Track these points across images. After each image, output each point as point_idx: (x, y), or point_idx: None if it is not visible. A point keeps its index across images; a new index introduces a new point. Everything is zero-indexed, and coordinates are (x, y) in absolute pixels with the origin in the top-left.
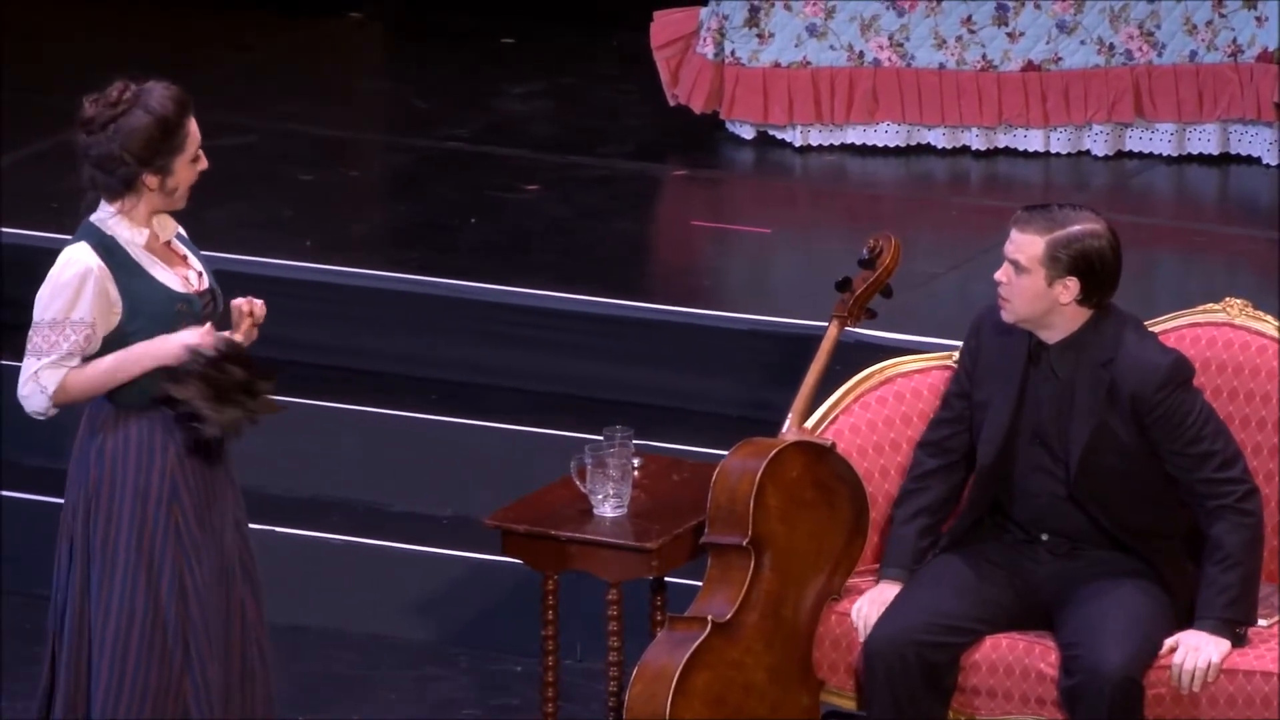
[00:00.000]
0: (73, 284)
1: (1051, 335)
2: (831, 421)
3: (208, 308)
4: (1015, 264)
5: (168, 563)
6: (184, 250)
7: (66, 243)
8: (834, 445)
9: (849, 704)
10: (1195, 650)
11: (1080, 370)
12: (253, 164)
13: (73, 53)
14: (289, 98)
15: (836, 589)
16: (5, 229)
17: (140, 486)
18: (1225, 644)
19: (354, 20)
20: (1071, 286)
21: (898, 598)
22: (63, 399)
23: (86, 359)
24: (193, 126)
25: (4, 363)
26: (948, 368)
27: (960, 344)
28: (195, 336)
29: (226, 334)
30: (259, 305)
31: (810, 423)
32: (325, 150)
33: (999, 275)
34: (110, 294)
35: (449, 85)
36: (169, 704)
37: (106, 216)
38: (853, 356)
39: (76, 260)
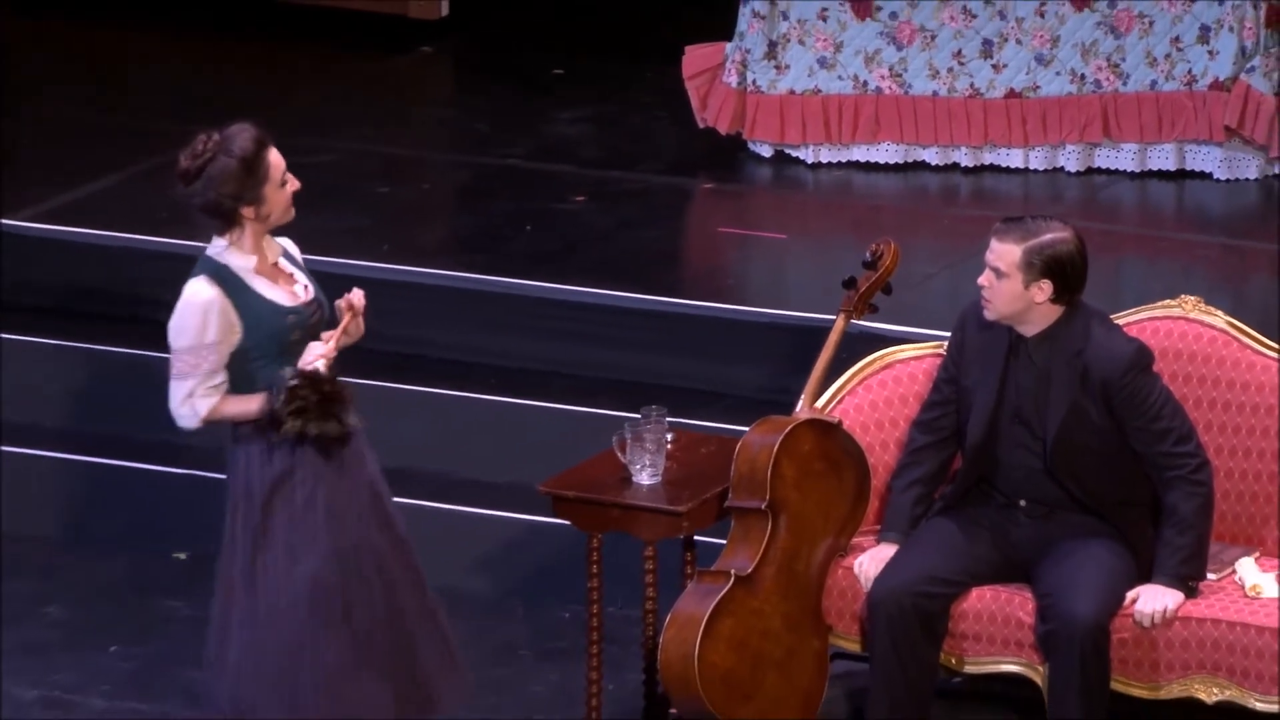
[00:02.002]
0: (198, 314)
1: (1029, 330)
2: (838, 401)
3: (314, 316)
4: (996, 270)
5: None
6: (289, 268)
7: (174, 245)
8: (841, 422)
9: (854, 647)
10: (1154, 598)
11: (1055, 359)
12: (336, 180)
13: (177, 86)
14: (367, 122)
15: (843, 547)
16: (125, 234)
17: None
18: (1180, 595)
19: (424, 54)
20: (1045, 288)
21: (896, 555)
22: (209, 421)
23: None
24: (273, 156)
25: (137, 352)
26: (939, 355)
27: (949, 335)
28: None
29: (312, 363)
30: (358, 298)
31: (820, 403)
32: (398, 167)
33: (981, 280)
34: (230, 317)
35: (506, 111)
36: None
37: (220, 249)
38: (857, 346)
39: (198, 293)
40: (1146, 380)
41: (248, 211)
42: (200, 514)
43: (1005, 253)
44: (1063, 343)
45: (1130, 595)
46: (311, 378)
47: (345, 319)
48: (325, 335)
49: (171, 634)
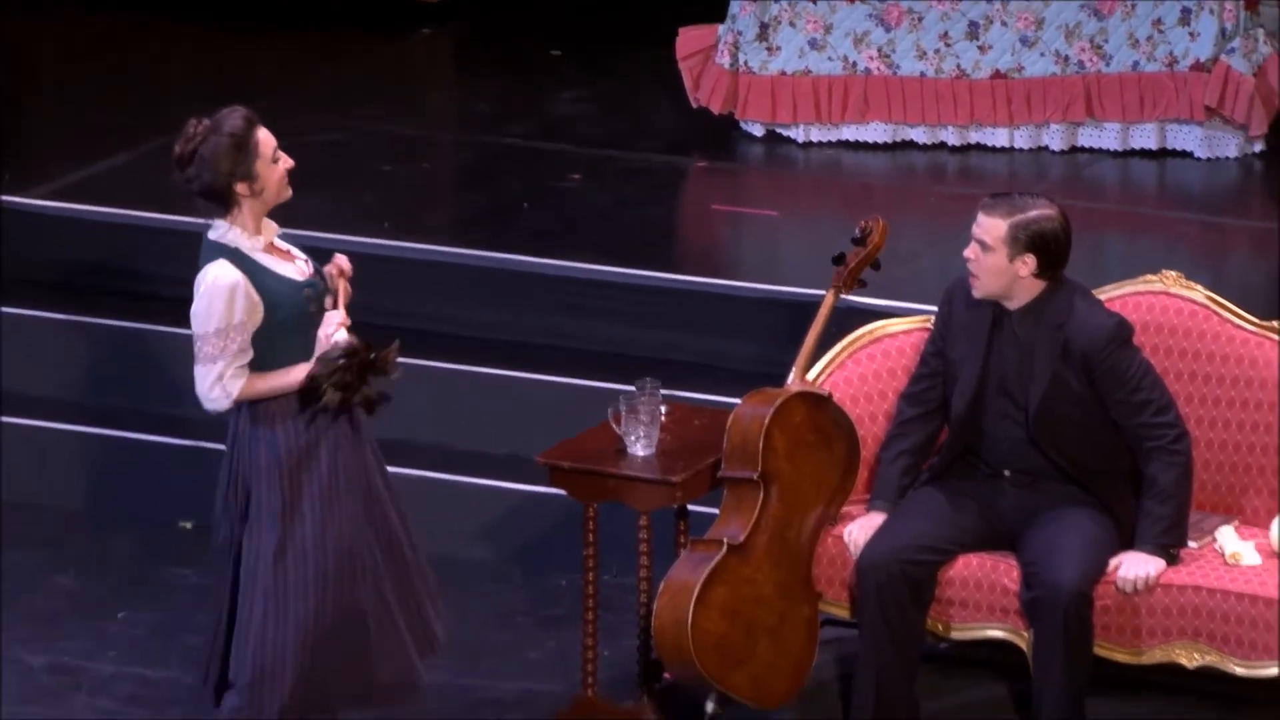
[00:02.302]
0: (224, 296)
1: (1012, 303)
2: (828, 374)
3: (324, 286)
4: (982, 243)
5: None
6: (286, 246)
7: (182, 223)
8: (831, 394)
9: (844, 614)
10: (1136, 565)
11: (1038, 333)
12: (340, 159)
13: (186, 68)
14: (371, 103)
15: (833, 516)
16: (140, 213)
17: (290, 461)
18: (1161, 563)
19: (425, 37)
20: (1030, 262)
21: (885, 523)
22: (242, 400)
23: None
24: (262, 134)
25: (145, 326)
26: (926, 329)
27: (937, 310)
28: (328, 338)
29: (341, 339)
30: (344, 261)
31: (810, 375)
32: (401, 147)
33: (967, 253)
34: (253, 297)
35: (507, 91)
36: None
37: (223, 233)
38: (847, 320)
39: (222, 276)
40: (1126, 353)
41: (242, 189)
42: (206, 484)
43: (991, 227)
44: (1045, 316)
45: (1113, 563)
46: (352, 351)
47: (341, 284)
48: (329, 302)
49: (178, 602)
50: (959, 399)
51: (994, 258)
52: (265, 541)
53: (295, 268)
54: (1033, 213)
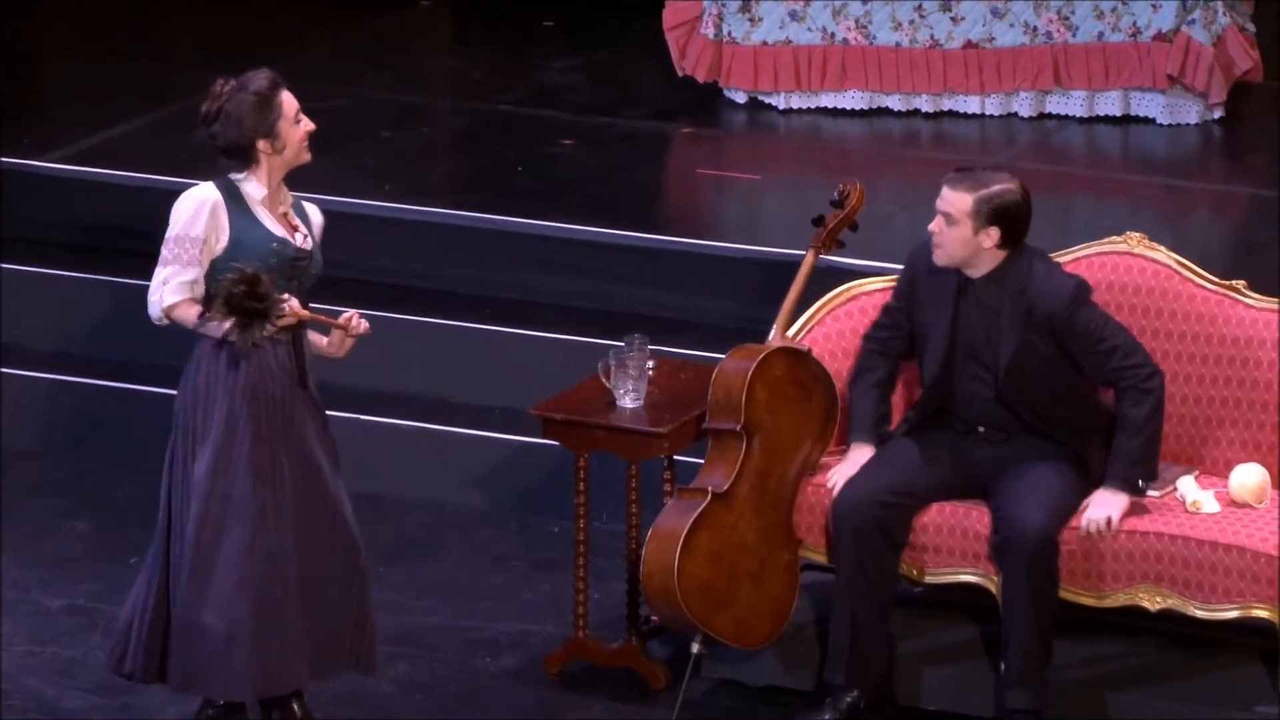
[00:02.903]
0: (192, 206)
1: (976, 272)
2: (808, 330)
3: (301, 261)
4: (947, 216)
5: (246, 460)
6: (296, 221)
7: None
8: (810, 350)
9: (823, 559)
10: (1101, 506)
11: (1002, 298)
12: (343, 124)
13: (196, 38)
14: (372, 71)
15: (813, 465)
16: (154, 176)
17: (225, 404)
18: (1124, 501)
19: (424, 8)
20: (993, 234)
21: (861, 470)
22: (170, 317)
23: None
24: (286, 95)
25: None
26: None
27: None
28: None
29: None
30: (363, 327)
31: (791, 332)
32: (401, 113)
33: (932, 226)
34: (220, 220)
35: (501, 60)
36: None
37: (238, 176)
38: (825, 279)
39: (199, 190)
40: (1087, 310)
41: (264, 146)
42: None
43: (957, 200)
44: (1008, 283)
45: (1082, 506)
46: (249, 277)
47: (335, 335)
48: (313, 307)
49: None
50: (930, 364)
51: (959, 230)
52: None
53: (286, 230)
54: (996, 187)
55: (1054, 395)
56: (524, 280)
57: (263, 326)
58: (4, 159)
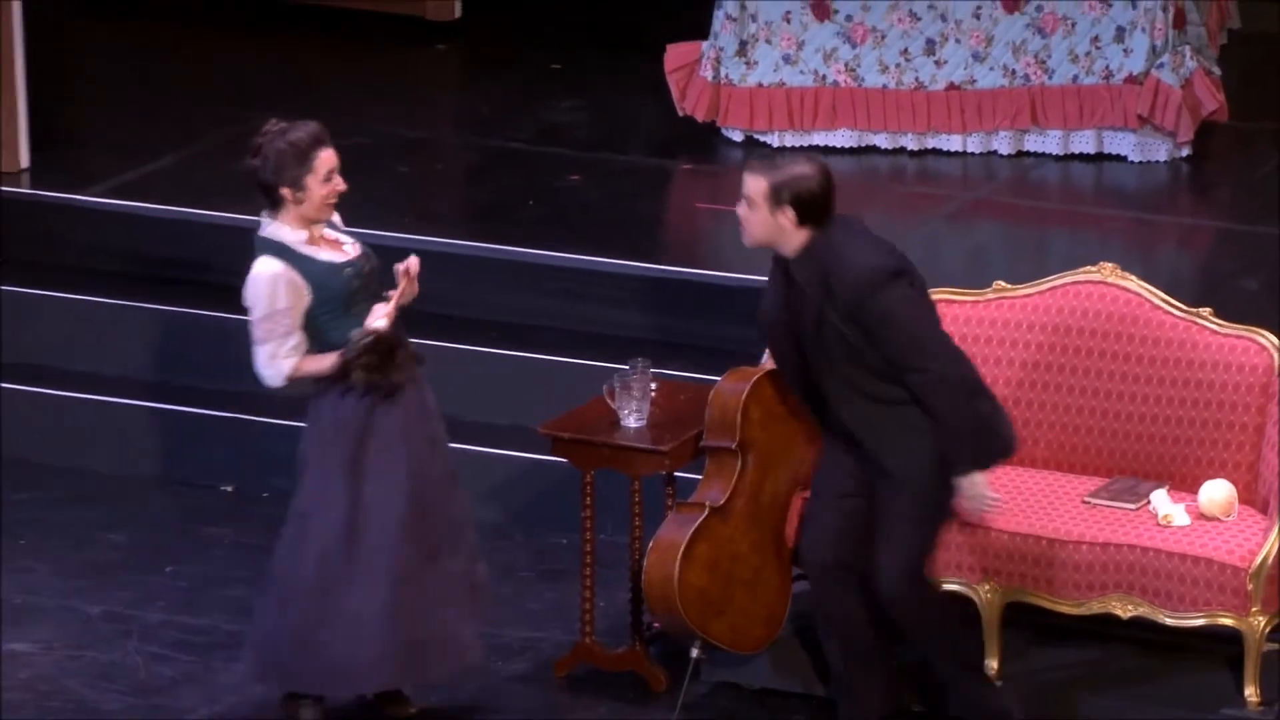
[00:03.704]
0: (267, 287)
1: (787, 250)
2: None
3: (366, 265)
4: (748, 200)
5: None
6: (333, 235)
7: (224, 218)
8: None
9: None
10: (967, 496)
11: (811, 279)
12: (361, 158)
13: (226, 79)
14: (390, 109)
15: (804, 479)
16: (188, 209)
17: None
18: (979, 477)
19: (440, 51)
20: (790, 214)
21: (807, 511)
22: (292, 379)
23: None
24: (324, 154)
25: (187, 310)
26: None
27: None
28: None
29: (376, 325)
30: (414, 265)
31: None
32: (417, 149)
33: (738, 210)
34: (297, 283)
35: (511, 99)
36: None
37: (271, 229)
38: None
39: (265, 267)
40: (885, 294)
41: (287, 194)
42: (245, 452)
43: (753, 184)
44: (816, 262)
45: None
46: (376, 337)
47: (402, 283)
48: (388, 294)
49: (218, 557)
50: (781, 362)
51: (758, 213)
52: (296, 502)
53: (339, 253)
54: (791, 171)
55: (870, 371)
56: (532, 306)
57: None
58: (46, 192)
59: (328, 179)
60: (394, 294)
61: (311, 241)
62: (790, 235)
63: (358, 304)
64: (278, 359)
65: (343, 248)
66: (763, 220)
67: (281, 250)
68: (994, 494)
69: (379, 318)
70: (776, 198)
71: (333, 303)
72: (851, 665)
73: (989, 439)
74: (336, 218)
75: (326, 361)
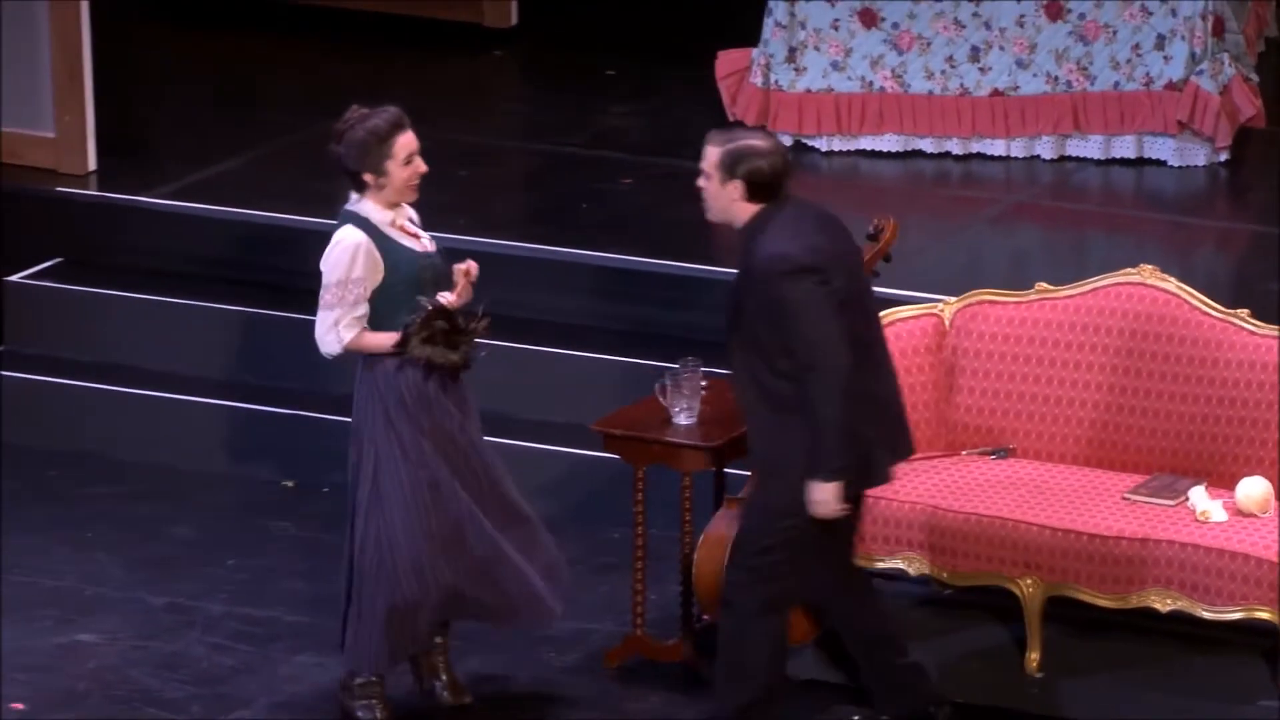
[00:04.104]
0: (349, 253)
1: (736, 224)
2: None
3: (439, 264)
4: (704, 171)
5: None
6: (415, 229)
7: (289, 220)
8: None
9: (862, 563)
10: (813, 504)
11: (742, 255)
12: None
13: (288, 84)
14: (448, 115)
15: None
16: (253, 211)
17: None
18: (826, 487)
19: (496, 57)
20: (738, 187)
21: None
22: (349, 349)
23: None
24: (403, 138)
25: (248, 310)
26: (933, 315)
27: (941, 298)
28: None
29: (441, 298)
30: (474, 267)
31: None
32: (475, 153)
33: (699, 181)
34: (375, 256)
35: (567, 105)
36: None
37: (356, 203)
38: None
39: (349, 235)
40: (783, 284)
41: (370, 178)
42: (305, 448)
43: (709, 155)
44: (748, 239)
45: None
46: (444, 310)
47: (461, 282)
48: (451, 293)
49: (280, 550)
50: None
51: (711, 183)
52: (362, 474)
53: (418, 244)
54: (742, 144)
55: (757, 372)
56: (585, 306)
57: (467, 344)
58: (116, 195)
59: (408, 162)
60: (457, 289)
61: (394, 225)
62: (739, 209)
63: (424, 295)
64: (340, 326)
65: (420, 239)
66: (714, 192)
67: (366, 225)
68: (840, 507)
69: (445, 302)
70: (727, 170)
71: (403, 285)
72: (877, 676)
73: (848, 455)
74: (415, 214)
75: (386, 339)
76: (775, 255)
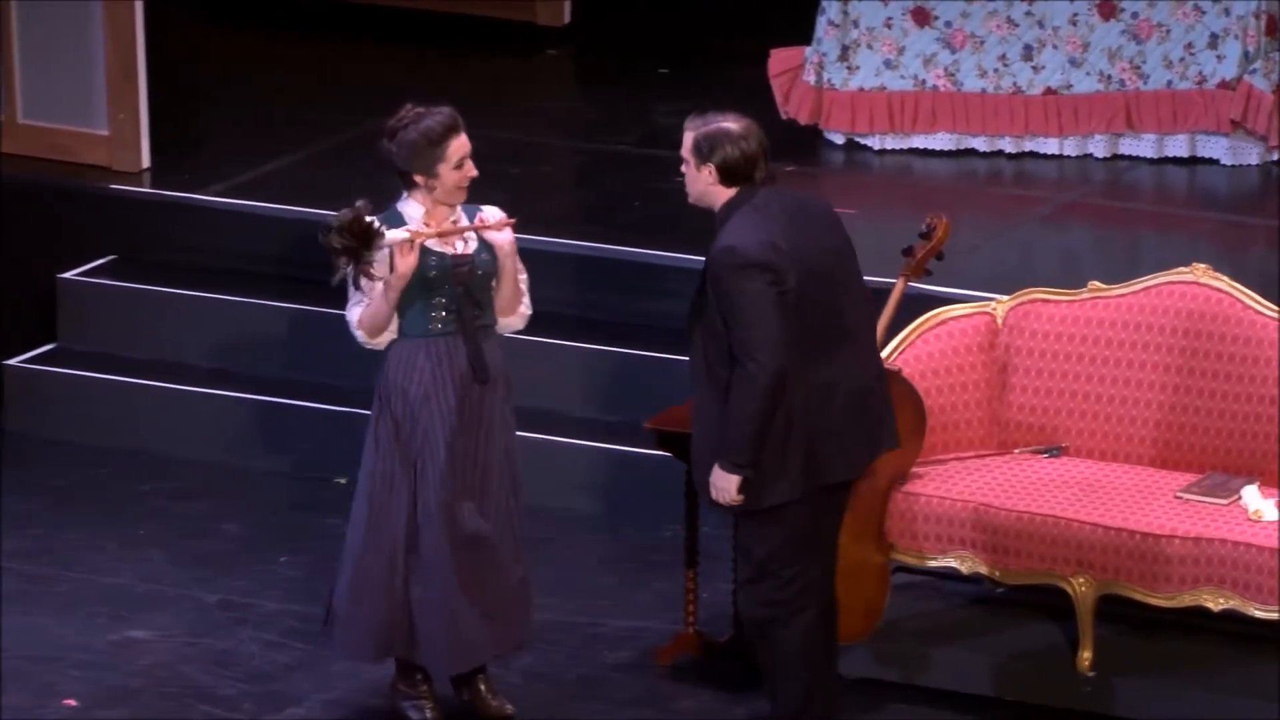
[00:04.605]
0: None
1: (715, 208)
2: (900, 352)
3: (461, 266)
4: (684, 156)
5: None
6: (458, 229)
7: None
8: (900, 370)
9: (914, 561)
10: (719, 479)
11: (713, 240)
12: (476, 162)
13: (340, 84)
14: (502, 113)
15: (903, 475)
16: (303, 208)
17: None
18: (729, 477)
19: (550, 56)
20: (711, 170)
21: None
22: (365, 327)
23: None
24: (456, 142)
25: (297, 307)
26: (985, 314)
27: (994, 297)
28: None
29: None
30: (492, 216)
31: (884, 354)
32: (528, 152)
33: (682, 167)
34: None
35: (618, 104)
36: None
37: (401, 203)
38: (915, 305)
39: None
40: (732, 277)
41: (420, 180)
42: (357, 445)
43: (686, 139)
44: (717, 228)
45: None
46: (350, 220)
47: (479, 228)
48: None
49: (332, 548)
50: None
51: (689, 168)
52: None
53: (448, 246)
54: (714, 126)
55: (708, 352)
56: (637, 304)
57: (369, 254)
58: (169, 192)
59: (459, 166)
60: (440, 229)
61: (428, 223)
62: (715, 193)
63: (435, 294)
64: (349, 313)
65: (454, 242)
66: (691, 176)
67: (390, 219)
68: (734, 498)
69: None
70: (701, 155)
71: (419, 286)
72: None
73: (756, 453)
74: (489, 213)
75: (374, 293)
76: (726, 248)
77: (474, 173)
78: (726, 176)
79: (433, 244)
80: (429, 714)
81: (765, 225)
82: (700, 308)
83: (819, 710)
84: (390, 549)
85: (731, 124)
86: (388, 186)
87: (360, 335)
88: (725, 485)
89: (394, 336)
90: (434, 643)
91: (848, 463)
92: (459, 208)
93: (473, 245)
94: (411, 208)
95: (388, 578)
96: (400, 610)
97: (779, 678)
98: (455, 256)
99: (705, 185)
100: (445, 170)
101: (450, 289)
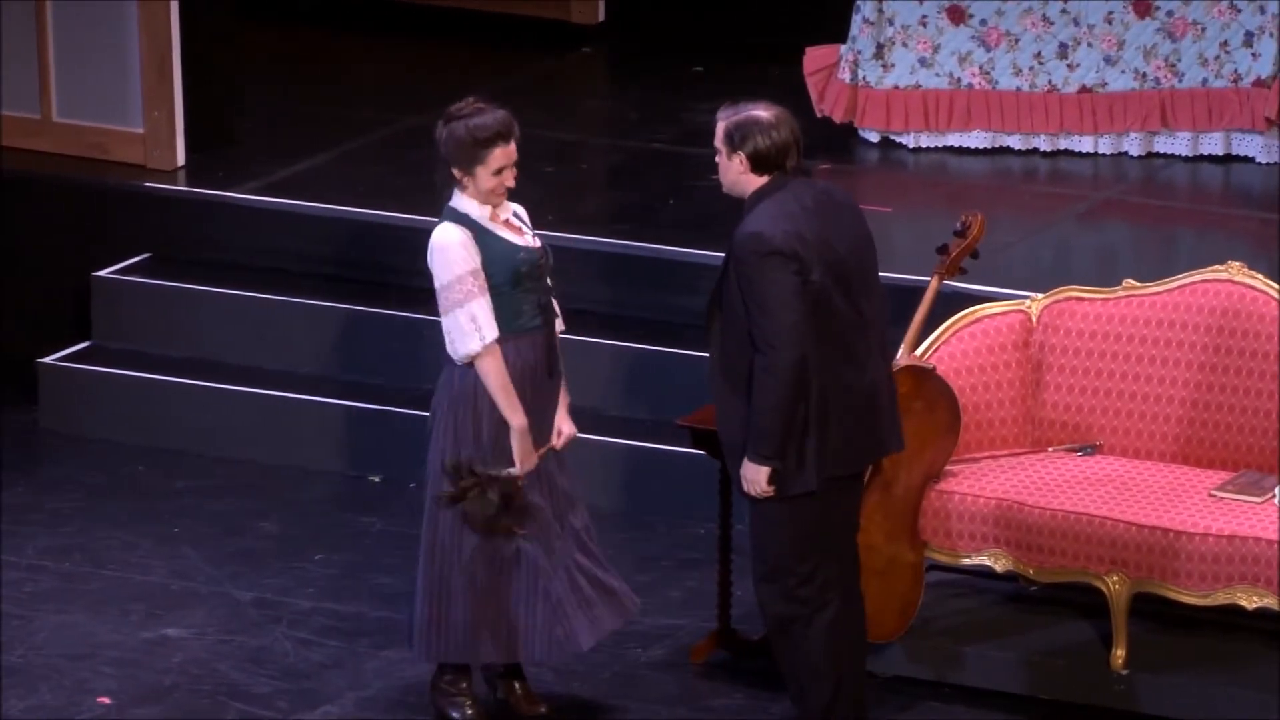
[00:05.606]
0: (456, 248)
1: (746, 197)
2: (934, 350)
3: (541, 259)
4: (716, 147)
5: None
6: (519, 225)
7: (374, 216)
8: (935, 368)
9: (948, 559)
10: (749, 472)
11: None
12: None
13: (375, 82)
14: (536, 111)
15: (936, 473)
16: (338, 207)
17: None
18: (758, 469)
19: (584, 54)
20: (742, 159)
21: None
22: (483, 358)
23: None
24: (500, 150)
25: (334, 305)
26: (1020, 311)
27: (1029, 295)
28: (522, 467)
29: (511, 472)
30: (569, 432)
31: (918, 351)
32: (562, 150)
33: (716, 157)
34: (476, 249)
35: (653, 102)
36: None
37: (457, 200)
38: (949, 303)
39: (448, 232)
40: (757, 264)
41: (459, 174)
42: (392, 443)
43: (717, 128)
44: (743, 215)
45: None
46: (510, 478)
47: (557, 444)
48: (552, 444)
49: (367, 546)
50: None
51: (721, 158)
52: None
53: (520, 237)
54: (744, 115)
55: (725, 340)
56: (671, 302)
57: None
58: (204, 190)
59: (498, 173)
60: (533, 459)
61: (493, 219)
62: (746, 181)
63: (525, 287)
64: (479, 318)
65: (524, 235)
66: (724, 165)
67: (465, 220)
68: (766, 490)
69: (523, 464)
70: (730, 143)
71: (502, 276)
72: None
73: (781, 443)
74: (524, 213)
75: (516, 411)
76: (752, 234)
77: (511, 183)
78: (757, 165)
79: (510, 235)
80: (469, 712)
81: (793, 215)
82: (720, 296)
83: (847, 711)
84: (491, 549)
85: (762, 112)
86: (425, 185)
87: (477, 349)
88: (755, 477)
89: None
90: (536, 633)
91: (854, 456)
92: (510, 206)
93: (538, 239)
94: (467, 204)
95: (489, 576)
96: (503, 607)
97: (805, 678)
98: (535, 248)
99: (736, 174)
100: (483, 173)
101: (534, 283)
